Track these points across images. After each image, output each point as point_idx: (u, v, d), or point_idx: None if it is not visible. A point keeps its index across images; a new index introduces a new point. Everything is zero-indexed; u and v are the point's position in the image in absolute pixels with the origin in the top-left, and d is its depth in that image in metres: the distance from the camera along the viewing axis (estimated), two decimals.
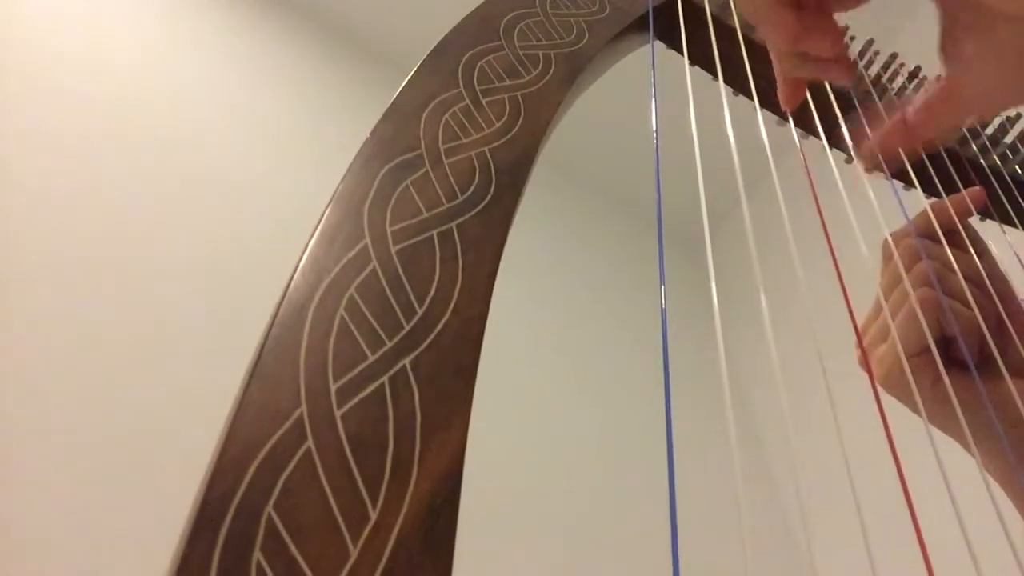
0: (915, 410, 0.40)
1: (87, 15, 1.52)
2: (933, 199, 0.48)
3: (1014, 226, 0.50)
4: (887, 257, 0.45)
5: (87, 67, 1.43)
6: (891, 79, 0.52)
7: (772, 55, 0.37)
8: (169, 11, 1.69)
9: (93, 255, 1.17)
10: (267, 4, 1.90)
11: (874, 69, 0.52)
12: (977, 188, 0.47)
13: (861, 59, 0.51)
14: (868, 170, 0.37)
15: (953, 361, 0.42)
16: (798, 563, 1.45)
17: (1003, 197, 0.50)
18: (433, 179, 0.27)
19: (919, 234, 0.44)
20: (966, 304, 0.41)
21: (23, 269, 1.09)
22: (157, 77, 1.54)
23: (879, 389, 0.41)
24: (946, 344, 0.42)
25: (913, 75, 0.52)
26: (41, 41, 1.40)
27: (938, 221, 0.44)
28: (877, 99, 0.50)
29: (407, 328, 0.22)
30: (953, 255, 0.43)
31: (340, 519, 0.17)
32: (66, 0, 1.51)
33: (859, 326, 0.45)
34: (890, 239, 0.44)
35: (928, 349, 0.41)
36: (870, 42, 0.51)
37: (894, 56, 0.52)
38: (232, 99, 1.65)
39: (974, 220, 0.49)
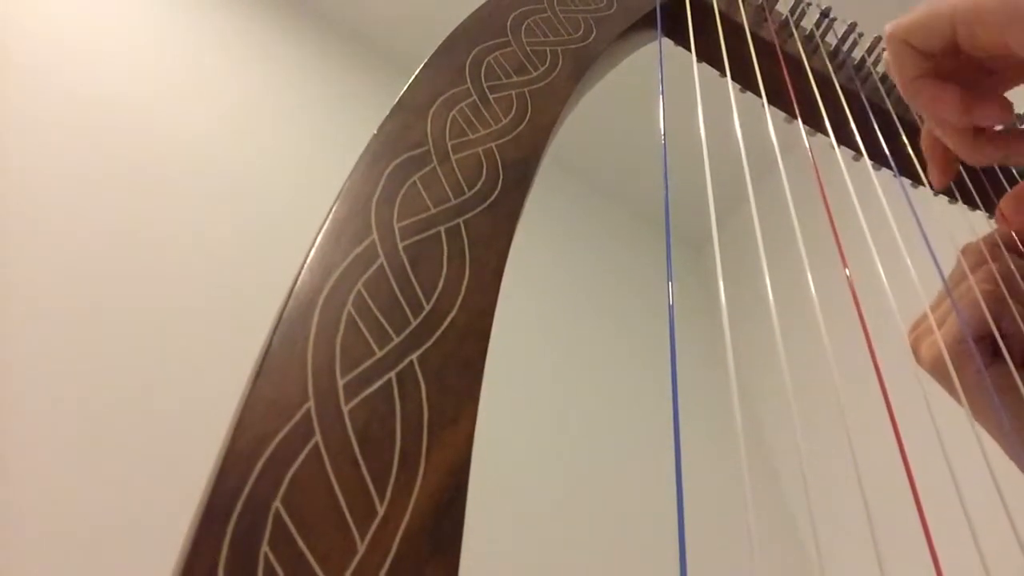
0: (957, 395, 0.41)
1: (91, 11, 1.53)
2: (942, 196, 0.47)
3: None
4: (965, 252, 0.45)
5: (91, 63, 1.44)
6: None
7: (940, 132, 0.38)
8: (174, 8, 1.70)
9: (98, 252, 1.18)
10: (273, 2, 1.91)
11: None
12: None
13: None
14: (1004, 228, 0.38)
15: (999, 358, 0.42)
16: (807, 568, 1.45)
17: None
18: (440, 175, 0.27)
19: (1001, 243, 0.45)
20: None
21: (27, 265, 1.09)
22: (161, 73, 1.55)
23: (918, 375, 0.42)
24: (994, 342, 0.42)
25: None
26: (44, 37, 1.41)
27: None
28: (885, 96, 0.49)
29: (414, 324, 0.22)
30: None
31: (348, 514, 0.17)
32: None
33: (914, 320, 0.45)
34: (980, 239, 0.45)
35: (981, 338, 0.41)
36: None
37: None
38: (238, 96, 1.65)
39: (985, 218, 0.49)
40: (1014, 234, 0.45)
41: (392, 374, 0.21)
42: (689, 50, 0.43)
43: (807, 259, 0.34)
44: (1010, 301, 0.41)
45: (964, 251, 0.45)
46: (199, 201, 1.37)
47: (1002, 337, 0.42)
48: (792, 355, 0.33)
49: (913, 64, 0.36)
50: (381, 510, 0.18)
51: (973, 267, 0.44)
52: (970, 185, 0.47)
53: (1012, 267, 0.43)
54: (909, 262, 0.37)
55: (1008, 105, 0.35)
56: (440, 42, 0.33)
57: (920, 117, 0.44)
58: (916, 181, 0.47)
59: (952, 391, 0.42)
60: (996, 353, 0.42)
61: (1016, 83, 0.36)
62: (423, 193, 0.26)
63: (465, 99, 0.30)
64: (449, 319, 0.22)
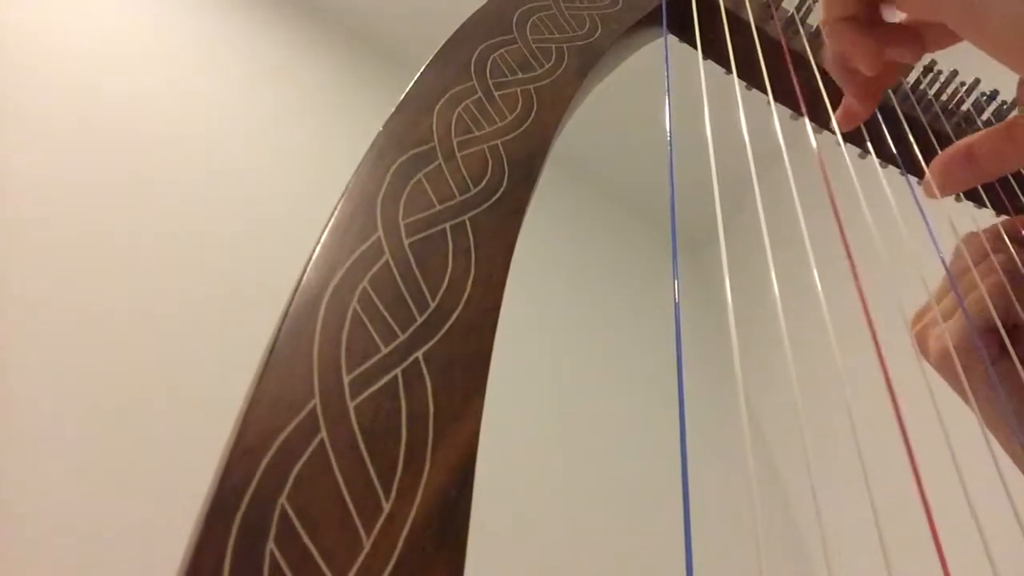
0: (963, 392, 0.40)
1: (93, 10, 1.53)
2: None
3: (1007, 213, 0.49)
4: (967, 242, 0.45)
5: (94, 62, 1.44)
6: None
7: (838, 69, 0.38)
8: (177, 8, 1.70)
9: (100, 249, 1.18)
10: (279, 2, 1.91)
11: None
12: None
13: None
14: (931, 195, 0.38)
15: (1005, 352, 0.41)
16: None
17: (1020, 194, 0.50)
18: (446, 172, 0.27)
19: (1002, 235, 0.44)
20: None
21: (28, 262, 1.09)
22: (165, 73, 1.55)
23: (925, 369, 0.41)
24: (1001, 336, 0.42)
25: (929, 69, 0.52)
26: (48, 35, 1.41)
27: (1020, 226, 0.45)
28: (891, 93, 0.49)
29: (420, 320, 0.22)
30: None
31: (353, 510, 0.17)
32: None
33: (917, 310, 0.45)
34: (979, 233, 0.44)
35: (989, 331, 0.41)
36: None
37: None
38: (244, 94, 1.65)
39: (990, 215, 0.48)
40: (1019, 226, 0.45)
41: (398, 371, 0.20)
42: (695, 47, 0.43)
43: (813, 257, 0.34)
44: (1012, 294, 0.40)
45: (966, 241, 0.45)
46: (204, 198, 1.37)
47: (1010, 330, 0.41)
48: (794, 353, 0.33)
49: (842, 4, 0.35)
50: (387, 507, 0.18)
51: (977, 258, 0.43)
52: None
53: (1016, 259, 0.42)
54: (917, 260, 0.37)
55: (917, 40, 0.35)
56: (445, 39, 0.33)
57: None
58: (923, 179, 0.47)
59: (959, 386, 0.41)
60: (1003, 347, 0.41)
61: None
62: (428, 190, 0.26)
63: (470, 96, 0.30)
64: (455, 316, 0.22)
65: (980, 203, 0.47)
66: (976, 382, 0.40)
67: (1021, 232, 0.44)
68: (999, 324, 0.39)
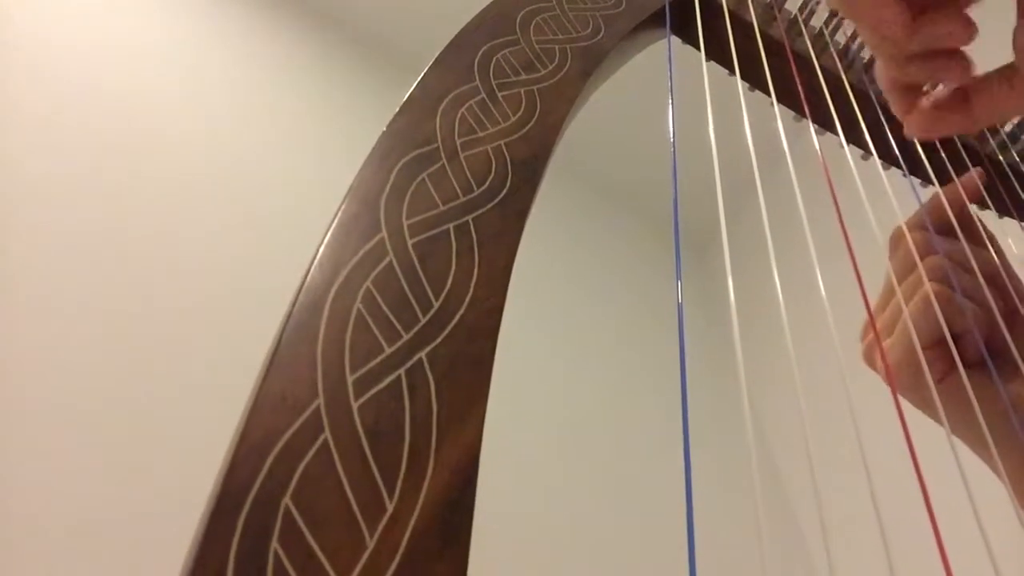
0: (920, 406, 0.39)
1: (99, 9, 1.53)
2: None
3: (1010, 215, 0.49)
4: (895, 248, 0.43)
5: (97, 63, 1.44)
6: None
7: (879, 63, 0.35)
8: (181, 6, 1.70)
9: (105, 250, 1.18)
10: (281, 2, 1.91)
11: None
12: (973, 172, 0.44)
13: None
14: (910, 135, 0.35)
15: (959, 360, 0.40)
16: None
17: (1022, 194, 0.50)
18: (449, 172, 0.27)
19: (932, 226, 0.42)
20: (978, 301, 0.40)
21: (33, 263, 1.10)
22: (169, 72, 1.55)
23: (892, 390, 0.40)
24: (951, 341, 0.41)
25: None
26: (52, 34, 1.41)
27: (949, 211, 0.42)
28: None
29: (424, 321, 0.22)
30: (969, 250, 0.41)
31: (357, 510, 0.17)
32: None
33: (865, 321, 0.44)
34: (904, 228, 0.42)
35: (935, 344, 0.39)
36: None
37: None
38: (248, 94, 1.66)
39: (992, 217, 0.48)
40: (951, 216, 0.42)
41: (401, 371, 0.21)
42: (698, 48, 0.43)
43: (815, 256, 0.34)
44: (940, 308, 0.38)
45: (894, 243, 0.42)
46: (207, 198, 1.37)
47: (958, 338, 0.39)
48: (796, 352, 0.33)
49: None
50: (390, 507, 0.18)
51: (908, 265, 0.41)
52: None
53: (946, 261, 0.40)
54: (919, 264, 0.37)
55: (969, 22, 0.30)
56: (449, 39, 0.33)
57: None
58: (926, 180, 0.47)
59: (917, 401, 0.40)
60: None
61: None
62: (432, 190, 0.26)
63: (474, 97, 0.30)
64: (458, 316, 0.22)
65: (983, 205, 0.47)
66: (932, 396, 0.38)
67: (950, 218, 0.41)
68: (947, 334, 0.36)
